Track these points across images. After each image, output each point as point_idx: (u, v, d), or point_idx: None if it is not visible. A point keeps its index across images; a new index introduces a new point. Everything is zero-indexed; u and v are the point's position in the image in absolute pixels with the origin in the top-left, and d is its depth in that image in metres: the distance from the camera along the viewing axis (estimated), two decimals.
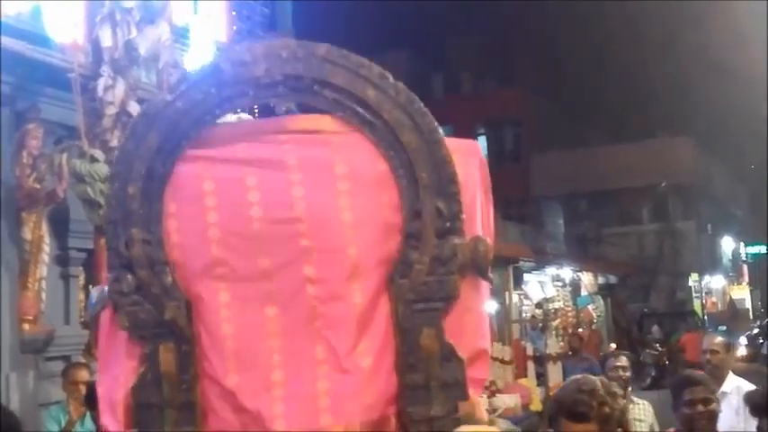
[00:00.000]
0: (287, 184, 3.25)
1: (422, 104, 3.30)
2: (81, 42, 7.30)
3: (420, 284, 3.20)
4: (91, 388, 5.72)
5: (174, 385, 3.14)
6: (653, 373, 22.43)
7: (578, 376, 3.30)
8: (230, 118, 3.65)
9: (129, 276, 3.18)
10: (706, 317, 32.69)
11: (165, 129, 3.22)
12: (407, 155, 3.25)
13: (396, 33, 33.50)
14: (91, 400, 5.59)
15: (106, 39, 7.20)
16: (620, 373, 6.61)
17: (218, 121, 3.41)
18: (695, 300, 35.62)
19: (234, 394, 3.15)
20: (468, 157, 3.44)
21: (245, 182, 3.25)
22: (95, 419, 5.53)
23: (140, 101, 7.37)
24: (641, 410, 6.54)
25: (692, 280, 36.23)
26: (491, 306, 18.47)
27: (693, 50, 26.67)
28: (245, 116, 3.78)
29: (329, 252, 3.22)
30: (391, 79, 3.31)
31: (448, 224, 3.22)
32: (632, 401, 6.58)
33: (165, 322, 3.15)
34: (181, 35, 8.71)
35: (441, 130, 3.30)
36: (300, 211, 3.22)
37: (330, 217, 3.23)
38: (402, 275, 3.21)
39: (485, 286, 3.37)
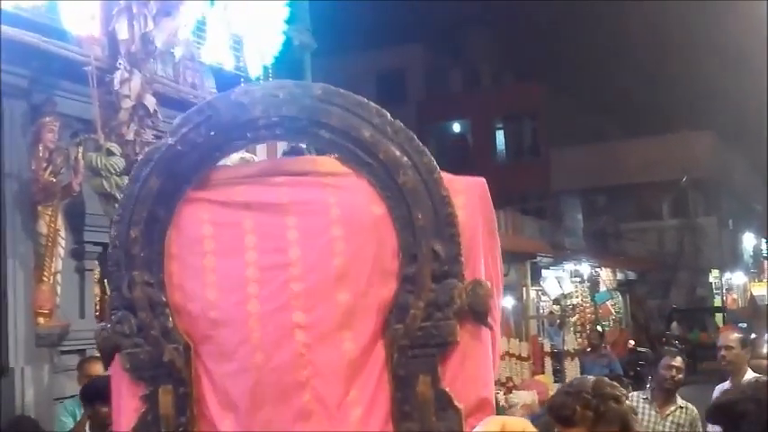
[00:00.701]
0: (282, 229, 3.23)
1: (419, 143, 3.21)
2: (97, 35, 7.28)
3: (415, 330, 3.11)
4: (91, 384, 5.71)
5: (172, 427, 3.17)
6: None
7: (578, 377, 3.26)
8: (234, 158, 3.63)
9: (131, 318, 3.22)
10: (726, 313, 32.46)
11: (166, 172, 3.24)
12: (404, 196, 3.16)
13: (413, 27, 33.41)
14: (87, 395, 5.58)
15: (123, 32, 7.17)
16: (674, 373, 6.42)
17: (221, 161, 3.41)
18: (716, 296, 35.41)
19: None
20: (471, 197, 3.34)
21: (243, 225, 3.26)
22: (91, 416, 5.51)
23: (156, 94, 7.36)
24: (684, 414, 6.37)
25: (713, 276, 36.02)
26: (508, 302, 18.42)
27: (715, 44, 26.46)
28: (248, 156, 3.74)
29: (320, 298, 3.18)
30: (389, 117, 3.23)
31: (445, 267, 3.13)
32: (677, 404, 6.42)
33: (163, 364, 3.18)
34: (197, 28, 8.67)
35: (438, 170, 3.19)
36: (294, 255, 3.20)
37: (323, 262, 3.19)
38: (397, 321, 3.13)
39: (486, 332, 3.24)
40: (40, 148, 7.23)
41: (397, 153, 3.18)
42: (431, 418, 3.07)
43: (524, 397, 13.12)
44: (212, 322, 3.22)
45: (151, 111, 7.13)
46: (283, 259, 3.21)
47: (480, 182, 3.47)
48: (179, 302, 3.23)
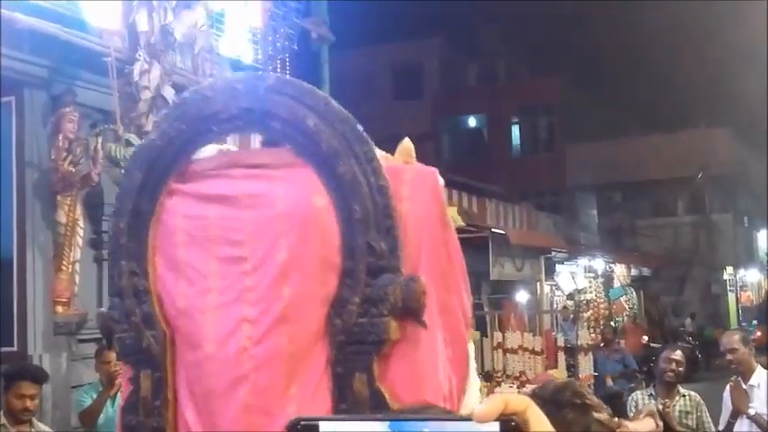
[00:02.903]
0: (238, 222, 3.27)
1: (362, 131, 3.12)
2: (117, 27, 7.33)
3: (352, 326, 3.02)
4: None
5: (148, 410, 3.28)
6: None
7: (551, 380, 3.12)
8: (211, 149, 3.67)
9: (121, 305, 3.35)
10: (740, 311, 32.35)
11: (147, 166, 3.34)
12: (343, 187, 3.09)
13: (431, 20, 33.40)
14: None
15: (142, 23, 7.22)
16: (674, 366, 6.47)
17: (199, 154, 3.48)
18: (730, 293, 35.28)
19: (188, 425, 3.25)
20: (418, 187, 3.23)
21: (208, 218, 3.30)
22: None
23: (175, 86, 7.41)
24: (688, 401, 6.45)
25: (727, 273, 35.86)
26: (522, 296, 18.42)
27: (733, 40, 26.33)
28: (224, 147, 3.76)
29: (265, 293, 3.18)
30: (334, 105, 3.18)
31: (382, 262, 3.02)
32: (680, 394, 6.48)
33: (143, 350, 3.28)
34: (216, 20, 8.71)
35: (377, 159, 3.08)
36: (247, 249, 3.23)
37: (269, 256, 3.19)
38: (337, 316, 3.06)
39: (432, 331, 3.09)
40: (60, 138, 7.30)
41: (338, 142, 3.11)
42: None
43: None
44: (180, 312, 3.30)
45: (170, 102, 7.18)
46: (239, 252, 3.23)
47: (430, 171, 3.33)
48: (160, 292, 3.33)
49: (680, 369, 6.49)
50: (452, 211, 3.62)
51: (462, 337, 3.29)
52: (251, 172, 3.35)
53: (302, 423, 1.03)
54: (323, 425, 1.02)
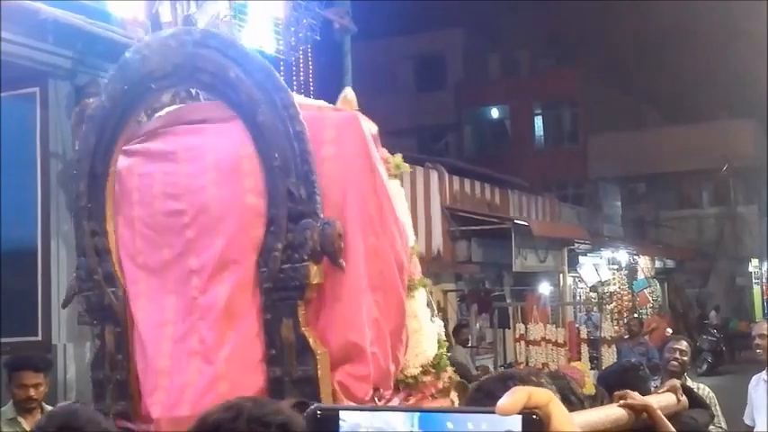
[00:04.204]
0: (176, 177, 3.32)
1: (279, 79, 3.15)
2: (141, 17, 7.34)
3: (277, 272, 3.04)
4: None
5: (112, 364, 3.37)
6: (710, 359, 22.11)
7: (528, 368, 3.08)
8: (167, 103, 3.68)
9: (85, 264, 3.45)
10: (765, 303, 32.08)
11: (99, 129, 3.44)
12: (263, 134, 3.10)
13: (453, 11, 33.24)
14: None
15: (165, 14, 7.21)
16: (678, 356, 6.46)
17: (150, 113, 3.52)
18: (755, 285, 34.98)
19: (138, 378, 3.34)
20: (343, 133, 3.23)
21: (154, 175, 3.36)
22: None
23: None
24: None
25: (753, 265, 35.56)
26: (545, 288, 18.36)
27: (758, 31, 26.05)
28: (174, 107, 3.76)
29: (204, 243, 3.25)
30: (252, 56, 3.23)
31: (300, 207, 3.03)
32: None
33: (105, 306, 3.30)
34: (239, 11, 8.70)
35: (296, 105, 3.08)
36: (185, 202, 3.29)
37: (204, 207, 3.26)
38: (264, 263, 3.08)
39: (356, 275, 3.11)
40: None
41: (258, 92, 3.12)
42: (292, 362, 3.01)
43: None
44: (138, 267, 3.39)
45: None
46: (178, 206, 3.32)
47: (352, 116, 3.32)
48: (120, 250, 3.42)
49: (684, 359, 6.48)
50: (396, 159, 3.61)
51: (394, 282, 3.27)
52: (191, 127, 3.43)
53: (320, 412, 1.01)
54: (344, 414, 1.00)
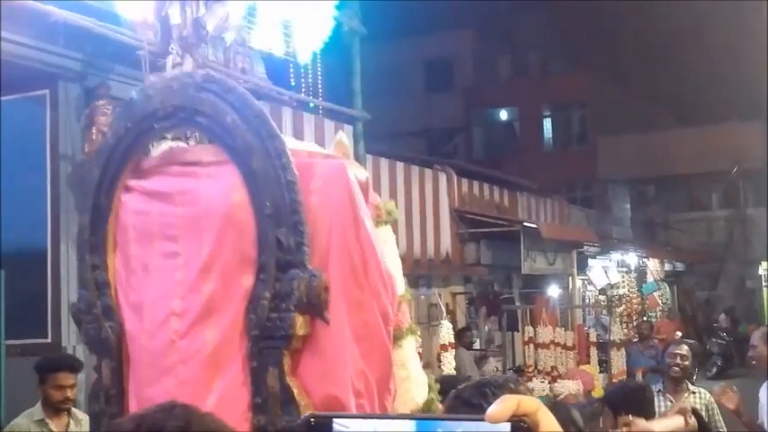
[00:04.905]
0: (172, 218, 3.35)
1: (274, 127, 3.16)
2: (150, 20, 7.35)
3: (265, 321, 3.06)
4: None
5: (107, 398, 3.41)
6: (719, 363, 22.04)
7: (495, 374, 3.05)
8: (163, 146, 3.71)
9: (86, 297, 3.49)
10: None
11: (104, 164, 3.47)
12: (257, 182, 3.13)
13: (463, 13, 33.22)
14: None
15: (175, 16, 7.22)
16: (679, 361, 6.43)
17: (152, 151, 3.56)
18: (765, 288, 34.86)
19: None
20: (330, 182, 3.23)
21: (151, 214, 3.40)
22: None
23: None
24: (698, 399, 6.37)
25: (762, 268, 35.42)
26: (554, 291, 18.33)
27: (764, 32, 25.98)
28: (174, 144, 3.78)
29: (190, 287, 3.25)
30: (250, 101, 3.23)
31: (288, 257, 3.05)
32: (689, 391, 6.42)
33: (103, 340, 3.40)
34: (248, 13, 8.71)
35: (289, 154, 3.11)
36: (180, 245, 3.32)
37: (195, 252, 3.26)
38: (252, 311, 3.10)
39: (341, 327, 3.10)
40: (94, 131, 7.34)
41: (253, 138, 3.15)
42: (276, 412, 3.03)
43: (569, 386, 13.06)
44: (130, 305, 3.41)
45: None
46: (174, 248, 3.33)
47: (339, 165, 3.34)
48: (117, 285, 3.45)
49: (685, 363, 6.44)
50: (387, 205, 3.62)
51: (379, 332, 3.26)
52: (184, 169, 3.45)
53: (314, 419, 1.03)
54: (337, 422, 1.02)
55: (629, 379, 13.57)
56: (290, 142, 3.42)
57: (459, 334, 13.38)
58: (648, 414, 3.48)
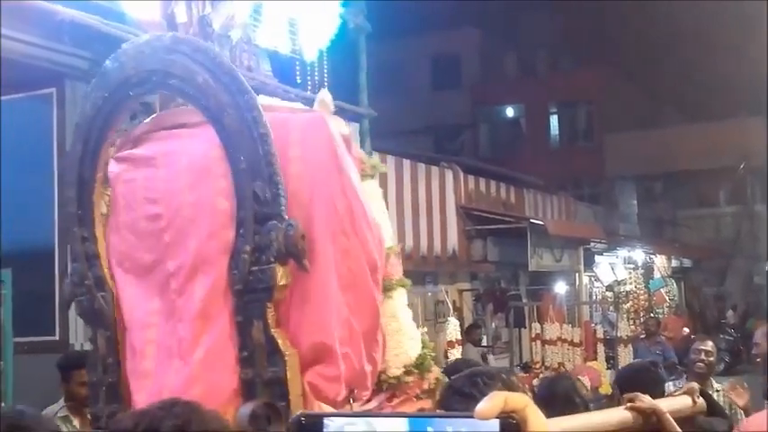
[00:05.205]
0: (155, 182, 3.38)
1: (244, 82, 3.18)
2: (157, 18, 7.36)
3: (246, 274, 3.08)
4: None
5: (104, 367, 3.43)
6: (727, 359, 22.00)
7: (483, 366, 3.05)
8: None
9: (77, 269, 3.51)
10: None
11: (84, 136, 3.51)
12: (230, 137, 3.15)
13: (469, 10, 33.19)
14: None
15: (181, 15, 7.22)
16: (704, 357, 6.39)
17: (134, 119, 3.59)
18: None
19: (127, 380, 3.38)
20: (310, 134, 3.26)
21: (136, 181, 3.47)
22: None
23: None
24: (720, 399, 6.30)
25: None
26: (561, 287, 18.32)
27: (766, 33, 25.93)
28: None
29: (179, 246, 3.29)
30: (219, 59, 3.26)
31: (266, 209, 3.06)
32: (713, 388, 6.36)
33: (96, 310, 3.42)
34: (254, 10, 8.72)
35: (260, 108, 3.12)
36: (162, 207, 3.35)
37: (178, 211, 3.31)
38: (235, 266, 3.12)
39: (326, 276, 3.13)
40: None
41: (224, 94, 3.16)
42: (263, 364, 3.04)
43: None
44: (123, 272, 3.43)
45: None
46: (156, 210, 3.37)
47: (318, 117, 3.35)
48: (109, 255, 3.47)
49: (711, 360, 6.40)
50: (373, 160, 3.64)
51: (365, 282, 3.28)
52: (170, 132, 3.50)
53: (304, 418, 1.04)
54: (328, 420, 1.04)
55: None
56: (269, 100, 3.45)
57: (466, 331, 13.39)
58: (655, 392, 3.48)
